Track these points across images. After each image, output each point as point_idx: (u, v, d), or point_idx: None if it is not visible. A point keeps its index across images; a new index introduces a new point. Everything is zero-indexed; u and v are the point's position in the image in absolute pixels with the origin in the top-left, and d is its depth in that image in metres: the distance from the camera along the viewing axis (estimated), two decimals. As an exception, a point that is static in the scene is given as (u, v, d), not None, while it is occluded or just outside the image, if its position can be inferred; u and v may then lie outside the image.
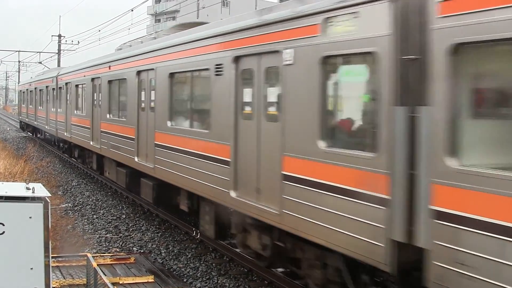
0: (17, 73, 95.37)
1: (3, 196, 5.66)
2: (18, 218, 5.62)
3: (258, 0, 68.40)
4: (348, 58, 6.82)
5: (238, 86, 9.15)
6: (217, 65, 9.70)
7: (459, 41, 5.28)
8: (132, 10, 36.58)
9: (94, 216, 15.81)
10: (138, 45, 15.33)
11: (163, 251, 12.21)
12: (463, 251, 5.23)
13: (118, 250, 12.30)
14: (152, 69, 13.01)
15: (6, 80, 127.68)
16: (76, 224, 14.69)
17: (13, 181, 15.44)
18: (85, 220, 15.29)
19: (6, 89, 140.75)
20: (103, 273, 8.43)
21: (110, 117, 17.00)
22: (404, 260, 6.11)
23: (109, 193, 19.34)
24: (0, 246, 5.58)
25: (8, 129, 52.95)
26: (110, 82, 17.06)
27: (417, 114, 5.79)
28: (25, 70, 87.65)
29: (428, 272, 5.61)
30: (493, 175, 4.96)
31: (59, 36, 59.76)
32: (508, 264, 4.81)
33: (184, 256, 11.84)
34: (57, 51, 60.05)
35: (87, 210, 16.74)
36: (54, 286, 8.63)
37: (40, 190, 5.89)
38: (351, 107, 7.03)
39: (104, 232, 13.95)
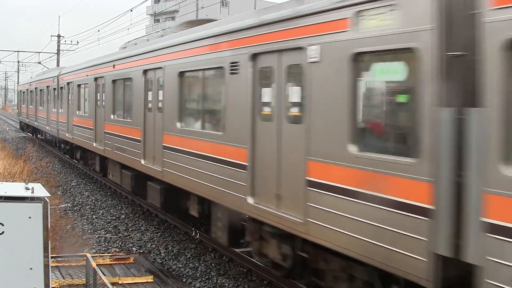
0: (16, 73, 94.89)
1: (2, 196, 5.62)
2: (17, 218, 5.60)
3: (258, 0, 67.94)
4: (383, 55, 6.25)
5: (256, 85, 8.59)
6: (232, 63, 9.14)
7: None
8: (131, 10, 36.43)
9: (94, 216, 15.76)
10: (144, 43, 14.75)
11: (162, 251, 12.17)
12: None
13: (117, 250, 12.27)
14: (160, 67, 12.44)
15: (5, 80, 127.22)
16: (75, 224, 14.65)
17: (12, 181, 15.31)
18: (85, 220, 15.25)
19: (5, 89, 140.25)
20: (103, 273, 8.42)
21: (114, 118, 16.42)
22: (448, 276, 5.56)
23: (109, 193, 19.30)
24: None
25: (7, 129, 52.88)
26: (114, 81, 16.48)
27: (465, 116, 5.24)
28: (25, 70, 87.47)
29: (480, 291, 5.06)
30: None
31: (58, 36, 59.86)
32: None
33: (183, 256, 11.79)
34: (56, 51, 59.84)
35: (87, 210, 16.69)
36: (53, 286, 8.59)
37: (40, 190, 5.87)
38: (386, 108, 6.46)
39: (103, 232, 13.92)
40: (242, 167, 8.82)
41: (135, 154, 14.09)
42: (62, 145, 27.92)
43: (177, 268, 11.10)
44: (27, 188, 5.83)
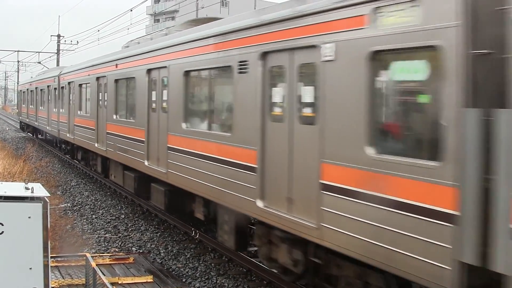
0: (16, 73, 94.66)
1: (2, 196, 5.61)
2: (17, 218, 5.59)
3: (257, 0, 67.77)
4: (403, 53, 5.97)
5: (266, 85, 8.31)
6: (241, 62, 8.87)
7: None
8: (131, 10, 36.31)
9: (93, 216, 15.73)
10: (148, 42, 14.47)
11: (162, 251, 12.16)
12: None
13: (117, 250, 12.25)
14: (165, 67, 12.16)
15: (5, 80, 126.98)
16: (75, 224, 14.63)
17: (12, 181, 15.30)
18: (84, 220, 15.22)
19: (5, 89, 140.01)
20: (102, 273, 8.45)
21: (117, 118, 16.14)
22: (474, 285, 5.29)
23: (108, 193, 19.23)
24: None
25: (7, 129, 53.01)
26: (116, 81, 16.20)
27: (492, 117, 4.97)
28: (24, 70, 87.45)
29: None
30: None
31: (58, 36, 59.91)
32: None
33: (183, 256, 11.77)
34: (56, 51, 59.75)
35: (86, 210, 16.67)
36: (53, 286, 8.59)
37: (39, 190, 5.86)
38: (406, 109, 6.17)
39: (103, 232, 13.89)
40: (251, 169, 8.55)
41: (138, 155, 13.82)
42: (63, 146, 27.64)
43: (176, 268, 11.07)
44: (26, 188, 5.82)
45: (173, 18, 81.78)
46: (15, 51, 73.11)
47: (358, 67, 6.37)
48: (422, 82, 5.82)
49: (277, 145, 8.00)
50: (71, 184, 21.28)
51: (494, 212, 4.96)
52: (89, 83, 19.66)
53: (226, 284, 10.11)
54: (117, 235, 13.57)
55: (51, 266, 6.01)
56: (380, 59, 6.21)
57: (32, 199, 5.68)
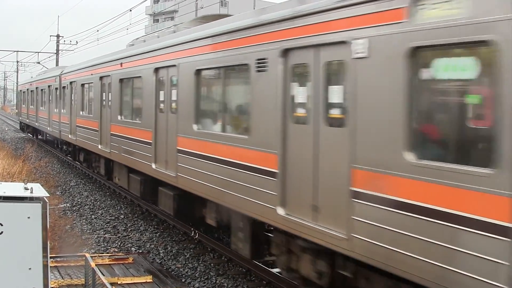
0: (16, 73, 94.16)
1: (1, 196, 5.62)
2: (16, 218, 5.61)
3: (257, 0, 67.40)
4: (448, 49, 5.43)
5: (287, 84, 7.77)
6: (259, 59, 8.33)
7: None
8: (130, 10, 36.07)
9: (93, 216, 15.73)
10: (155, 40, 13.91)
11: (161, 251, 12.16)
12: None
13: (116, 250, 12.25)
14: (174, 65, 11.61)
15: (4, 80, 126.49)
16: (74, 224, 14.63)
17: (11, 181, 15.26)
18: (84, 220, 15.22)
19: (4, 89, 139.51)
20: (102, 273, 8.47)
21: (121, 119, 15.59)
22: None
23: (108, 193, 19.17)
24: None
25: (6, 129, 53.33)
26: (121, 80, 15.65)
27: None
28: (24, 70, 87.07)
29: None
30: None
31: (58, 36, 59.80)
32: None
33: (182, 256, 11.78)
34: (55, 51, 59.48)
35: (86, 210, 16.67)
36: (52, 286, 8.59)
37: (39, 190, 5.88)
38: (452, 110, 5.63)
39: (102, 232, 13.89)
40: (271, 174, 8.01)
41: (145, 158, 13.27)
42: (64, 147, 27.07)
43: (176, 268, 11.06)
44: (26, 188, 5.82)
45: (172, 18, 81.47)
46: (14, 51, 72.80)
47: (395, 65, 5.83)
48: (471, 81, 5.28)
49: (301, 149, 7.46)
50: (71, 184, 21.21)
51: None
52: (92, 82, 19.11)
53: (226, 284, 10.04)
54: (116, 235, 13.56)
55: (50, 266, 6.03)
56: (420, 55, 5.67)
57: (31, 199, 5.68)
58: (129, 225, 14.61)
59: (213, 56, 9.86)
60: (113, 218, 15.49)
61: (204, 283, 10.18)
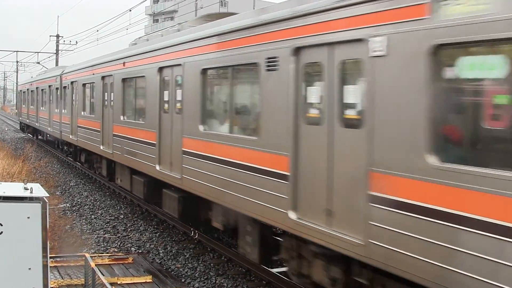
0: (15, 73, 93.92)
1: (1, 196, 5.63)
2: (16, 218, 5.61)
3: (256, 0, 67.26)
4: (475, 47, 5.16)
5: (299, 83, 7.50)
6: (269, 58, 8.05)
7: None
8: (130, 10, 35.91)
9: (92, 216, 15.69)
10: (159, 39, 13.63)
11: (161, 251, 12.13)
12: None
13: (116, 250, 12.21)
14: (179, 64, 11.33)
15: (4, 80, 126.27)
16: (74, 224, 14.60)
17: (11, 181, 15.25)
18: (83, 220, 15.18)
19: (4, 89, 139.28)
20: (101, 273, 8.47)
21: (124, 119, 15.31)
22: None
23: (107, 193, 19.08)
24: None
25: (6, 129, 53.46)
26: (124, 80, 15.37)
27: None
28: (23, 70, 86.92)
29: None
30: None
31: (57, 36, 59.68)
32: None
33: (182, 256, 11.76)
34: (55, 51, 59.36)
35: (85, 210, 16.62)
36: (52, 286, 8.60)
37: (38, 190, 5.89)
38: (479, 111, 5.35)
39: (102, 232, 13.85)
40: (282, 177, 7.73)
41: (148, 159, 12.99)
42: (65, 147, 26.78)
43: (176, 268, 11.03)
44: (25, 188, 5.82)
45: (172, 18, 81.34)
46: (14, 51, 72.76)
47: (417, 63, 5.56)
48: (501, 80, 5.00)
49: (314, 150, 7.19)
50: (70, 184, 21.12)
51: None
52: (93, 82, 18.82)
53: (225, 284, 10.01)
54: (116, 235, 13.51)
55: (50, 266, 6.03)
56: (444, 53, 5.41)
57: (31, 199, 5.68)
58: (129, 225, 14.56)
59: (221, 55, 9.58)
60: (112, 218, 15.44)
61: (204, 283, 10.14)
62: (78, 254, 10.26)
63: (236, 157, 8.98)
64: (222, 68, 9.81)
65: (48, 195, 5.90)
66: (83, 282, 8.58)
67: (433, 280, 5.38)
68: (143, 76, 13.56)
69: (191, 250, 12.09)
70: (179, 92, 11.44)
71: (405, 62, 5.72)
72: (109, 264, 10.36)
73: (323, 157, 6.98)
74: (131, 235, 13.52)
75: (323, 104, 7.04)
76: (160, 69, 12.43)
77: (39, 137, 37.56)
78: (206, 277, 10.45)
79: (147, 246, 12.53)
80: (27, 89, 38.32)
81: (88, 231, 13.96)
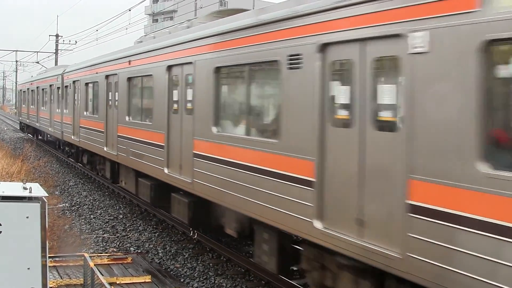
0: (15, 72, 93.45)
1: (0, 196, 5.62)
2: (15, 218, 5.61)
3: (256, 0, 66.90)
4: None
5: (326, 82, 6.98)
6: (291, 55, 7.54)
7: None
8: (129, 10, 35.60)
9: (91, 216, 15.67)
10: (167, 36, 13.10)
11: (160, 251, 12.13)
12: None
13: (115, 250, 12.21)
14: (190, 62, 10.81)
15: (3, 79, 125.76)
16: (73, 224, 14.58)
17: (10, 181, 15.11)
18: (82, 220, 15.16)
19: (3, 88, 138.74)
20: (100, 273, 8.46)
21: (130, 120, 14.78)
22: None
23: (106, 193, 19.04)
24: None
25: (5, 129, 53.39)
26: (129, 79, 14.85)
27: None
28: (23, 70, 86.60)
29: None
30: None
31: (57, 35, 59.62)
32: None
33: (181, 256, 11.75)
34: (54, 51, 59.12)
35: (84, 210, 16.60)
36: (51, 286, 8.57)
37: (37, 190, 5.89)
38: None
39: (101, 232, 13.82)
40: (306, 183, 7.21)
41: (156, 162, 12.47)
42: (67, 148, 26.24)
43: (175, 268, 11.03)
44: (25, 188, 5.82)
45: (171, 18, 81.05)
46: (14, 50, 72.65)
47: (465, 61, 5.05)
48: None
49: (342, 155, 6.67)
50: (69, 184, 21.04)
51: None
52: (97, 81, 18.29)
53: (224, 284, 10.01)
54: (115, 235, 13.48)
55: (49, 266, 6.05)
56: (497, 50, 4.90)
57: (30, 199, 5.68)
58: (128, 225, 14.51)
59: (236, 52, 9.06)
60: (112, 218, 15.38)
61: (203, 283, 10.13)
62: (77, 254, 10.22)
63: (253, 161, 8.47)
64: (237, 66, 9.28)
65: (47, 195, 5.89)
66: (82, 282, 8.58)
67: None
68: (150, 75, 13.05)
69: (190, 250, 12.07)
70: (189, 91, 10.92)
71: (451, 59, 5.21)
72: (108, 264, 10.34)
73: (353, 163, 6.46)
74: (130, 235, 13.48)
75: (353, 105, 6.52)
76: (169, 67, 11.92)
77: (40, 137, 37.05)
78: (205, 277, 10.43)
79: (146, 246, 12.50)
80: (27, 89, 37.78)
81: (87, 231, 13.90)
